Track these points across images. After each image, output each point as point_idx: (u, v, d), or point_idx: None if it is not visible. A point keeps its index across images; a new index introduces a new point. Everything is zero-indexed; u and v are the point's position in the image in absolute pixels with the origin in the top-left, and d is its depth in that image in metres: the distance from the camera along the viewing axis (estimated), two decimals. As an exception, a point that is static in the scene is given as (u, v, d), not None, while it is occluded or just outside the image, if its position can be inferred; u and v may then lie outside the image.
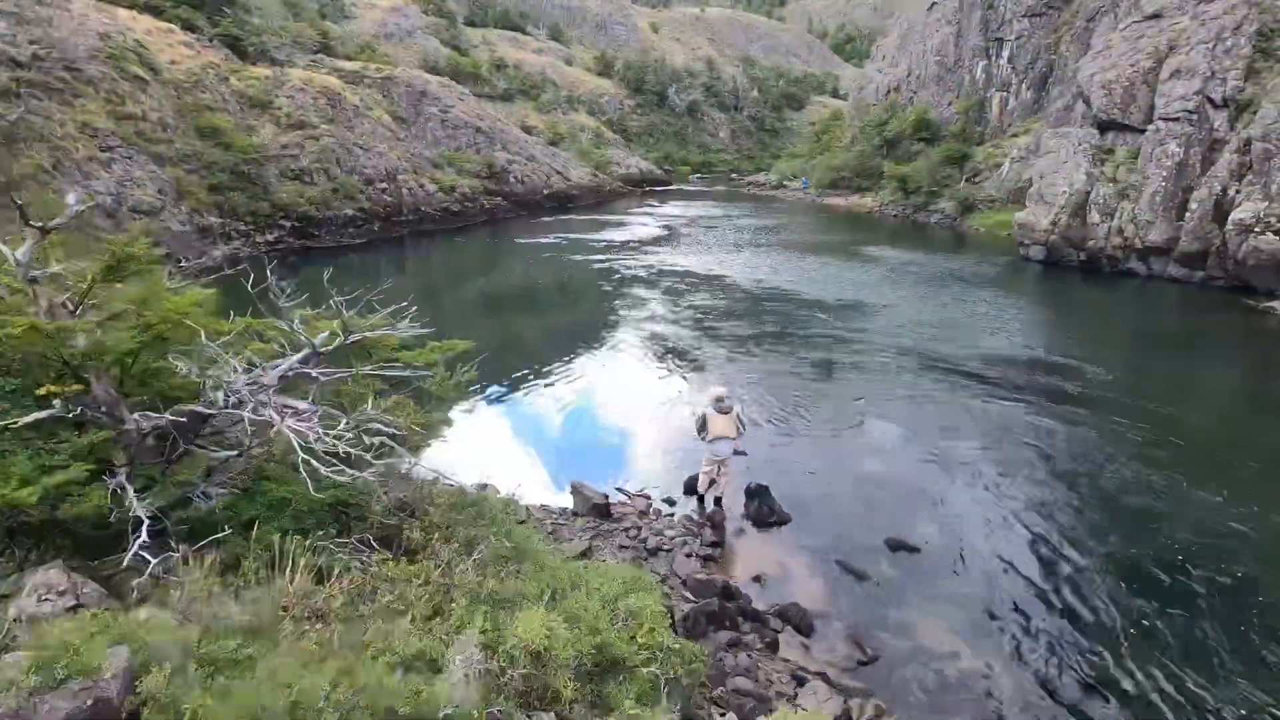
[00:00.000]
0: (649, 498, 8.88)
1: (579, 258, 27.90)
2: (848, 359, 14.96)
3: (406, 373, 5.13)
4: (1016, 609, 6.75)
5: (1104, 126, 26.67)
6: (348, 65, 43.85)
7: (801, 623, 6.22)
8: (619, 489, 9.05)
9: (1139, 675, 5.84)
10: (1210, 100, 23.27)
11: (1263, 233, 20.84)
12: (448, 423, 5.74)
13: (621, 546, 7.34)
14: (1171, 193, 23.53)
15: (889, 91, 56.51)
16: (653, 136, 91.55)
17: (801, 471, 9.64)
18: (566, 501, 8.55)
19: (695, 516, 8.45)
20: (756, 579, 7.15)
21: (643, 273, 24.76)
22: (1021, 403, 12.38)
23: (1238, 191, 22.04)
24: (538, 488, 8.93)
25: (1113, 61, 26.32)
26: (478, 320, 18.22)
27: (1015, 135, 42.95)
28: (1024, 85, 45.78)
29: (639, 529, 7.85)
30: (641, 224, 38.89)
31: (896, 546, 7.80)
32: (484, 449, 9.82)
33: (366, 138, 35.60)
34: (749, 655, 5.43)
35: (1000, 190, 38.73)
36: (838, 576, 7.32)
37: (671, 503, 8.84)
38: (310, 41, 46.40)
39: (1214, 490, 8.90)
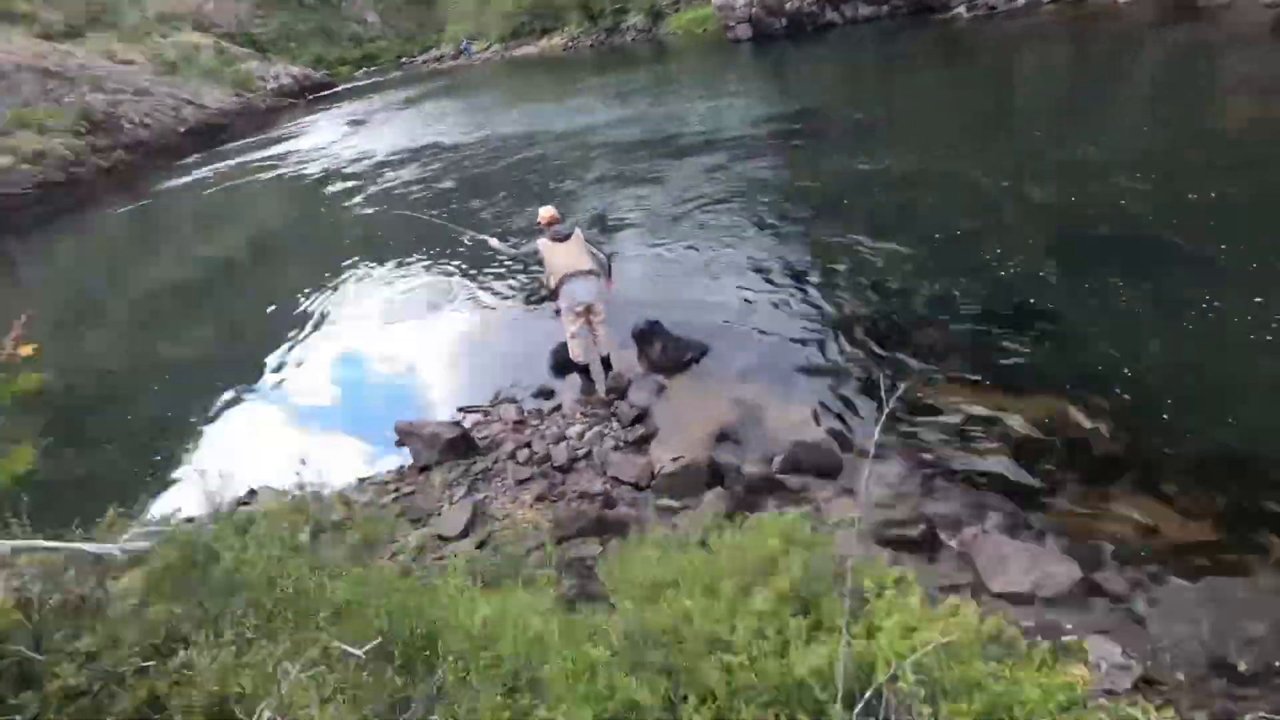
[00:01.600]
0: (514, 400, 6.28)
1: (267, 182, 21.88)
2: (610, 182, 12.98)
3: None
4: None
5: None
6: None
7: (823, 463, 4.40)
8: (461, 409, 6.34)
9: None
10: None
11: (926, -51, 21.89)
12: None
13: (521, 481, 4.85)
14: (842, -66, 23.78)
15: (534, -85, 51.55)
16: (292, 40, 76.94)
17: (677, 296, 7.62)
18: (400, 458, 5.67)
19: (591, 394, 6.13)
20: (724, 437, 5.06)
21: (355, 171, 19.96)
22: (780, 158, 12.14)
23: (894, -84, 22.75)
24: (355, 461, 5.88)
25: None
26: (163, 310, 12.99)
27: (673, -70, 41.63)
28: (663, -124, 43.94)
29: (528, 445, 5.34)
30: (326, 130, 32.10)
31: (839, 323, 6.22)
32: (251, 453, 6.45)
33: None
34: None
35: (681, -11, 37.72)
36: (811, 386, 5.58)
37: (547, 394, 6.34)
38: None
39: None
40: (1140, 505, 3.79)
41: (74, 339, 11.18)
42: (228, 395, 7.92)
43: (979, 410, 4.81)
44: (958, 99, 14.43)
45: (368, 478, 5.32)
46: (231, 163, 27.79)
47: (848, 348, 5.98)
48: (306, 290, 10.64)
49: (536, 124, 20.76)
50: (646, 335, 6.24)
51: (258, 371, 8.28)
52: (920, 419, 4.88)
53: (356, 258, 11.78)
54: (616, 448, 5.06)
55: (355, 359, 8.10)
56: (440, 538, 4.10)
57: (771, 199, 10.00)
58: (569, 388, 6.33)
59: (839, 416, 5.16)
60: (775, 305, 6.99)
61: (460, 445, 5.33)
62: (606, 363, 6.42)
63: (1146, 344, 5.17)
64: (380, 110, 34.96)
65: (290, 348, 8.77)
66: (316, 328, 9.20)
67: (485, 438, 5.58)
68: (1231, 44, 12.86)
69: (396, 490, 4.94)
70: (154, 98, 38.18)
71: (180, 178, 26.76)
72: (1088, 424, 4.48)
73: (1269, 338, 4.87)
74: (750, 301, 7.18)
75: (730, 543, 2.24)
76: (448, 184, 16.06)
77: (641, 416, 5.45)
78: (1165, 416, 4.45)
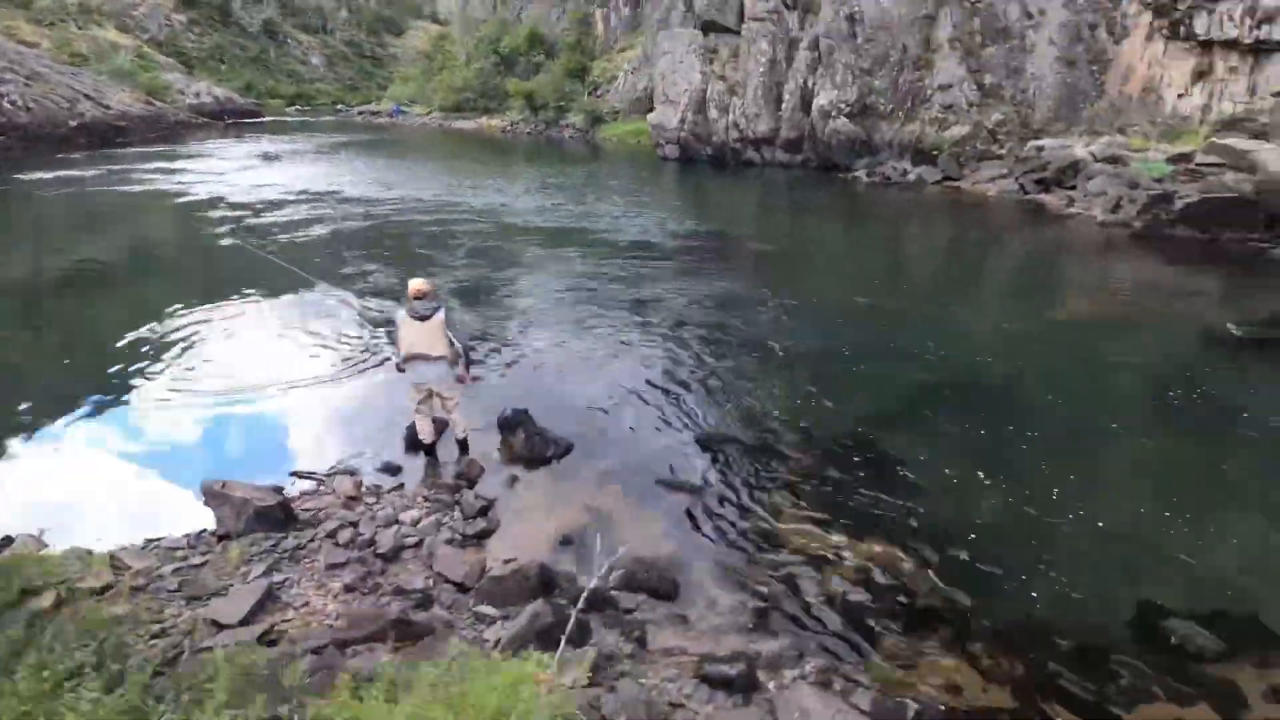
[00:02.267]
0: (354, 472, 5.73)
1: (144, 195, 20.34)
2: (514, 265, 13.09)
3: None
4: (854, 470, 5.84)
5: (706, 28, 28.63)
6: None
7: (660, 583, 4.24)
8: (296, 474, 5.77)
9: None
10: (785, 2, 26.32)
11: (837, 117, 24.62)
12: None
13: (334, 566, 4.25)
14: (769, 87, 26.39)
15: (496, 5, 54.25)
16: (223, 62, 74.90)
17: (554, 389, 7.49)
18: (205, 521, 4.96)
19: (439, 478, 5.72)
20: (566, 542, 4.85)
21: (243, 201, 18.97)
22: (683, 271, 12.66)
23: (814, 84, 25.59)
24: (153, 518, 5.09)
25: (703, -35, 28.04)
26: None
27: (623, 50, 44.84)
28: (622, 3, 47.78)
29: (354, 525, 4.78)
30: (234, 157, 30.71)
31: (708, 442, 6.29)
32: (34, 491, 5.54)
33: None
34: (622, 673, 3.28)
35: (622, 101, 40.18)
36: (668, 501, 5.48)
37: (393, 471, 5.85)
38: None
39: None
40: (949, 665, 3.89)
41: None
42: (25, 418, 6.87)
43: (819, 548, 4.89)
44: (848, 248, 15.90)
45: (156, 540, 4.56)
46: (115, 167, 25.87)
47: (711, 466, 6.02)
48: (150, 316, 9.65)
49: (452, 194, 20.86)
50: (511, 424, 6.02)
51: (68, 399, 7.27)
52: (765, 548, 4.91)
53: (219, 291, 10.92)
54: (451, 540, 4.66)
55: (184, 401, 7.27)
56: (215, 623, 3.52)
57: (667, 308, 10.32)
58: (418, 468, 5.93)
59: (687, 536, 5.09)
60: (648, 413, 7.02)
61: (274, 515, 4.70)
62: (463, 446, 6.13)
63: (980, 501, 5.53)
64: (298, 149, 34.08)
65: (115, 376, 7.80)
66: (148, 359, 8.27)
67: (310, 510, 5.00)
68: (1071, 248, 15.01)
69: (184, 559, 4.26)
70: (47, 85, 35.47)
71: (52, 171, 24.50)
72: (915, 575, 4.64)
73: (1080, 508, 5.34)
74: (624, 405, 7.18)
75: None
76: (335, 232, 15.60)
77: (486, 509, 5.12)
78: (986, 575, 4.69)
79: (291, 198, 19.90)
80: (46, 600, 3.54)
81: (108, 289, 11.88)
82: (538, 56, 46.56)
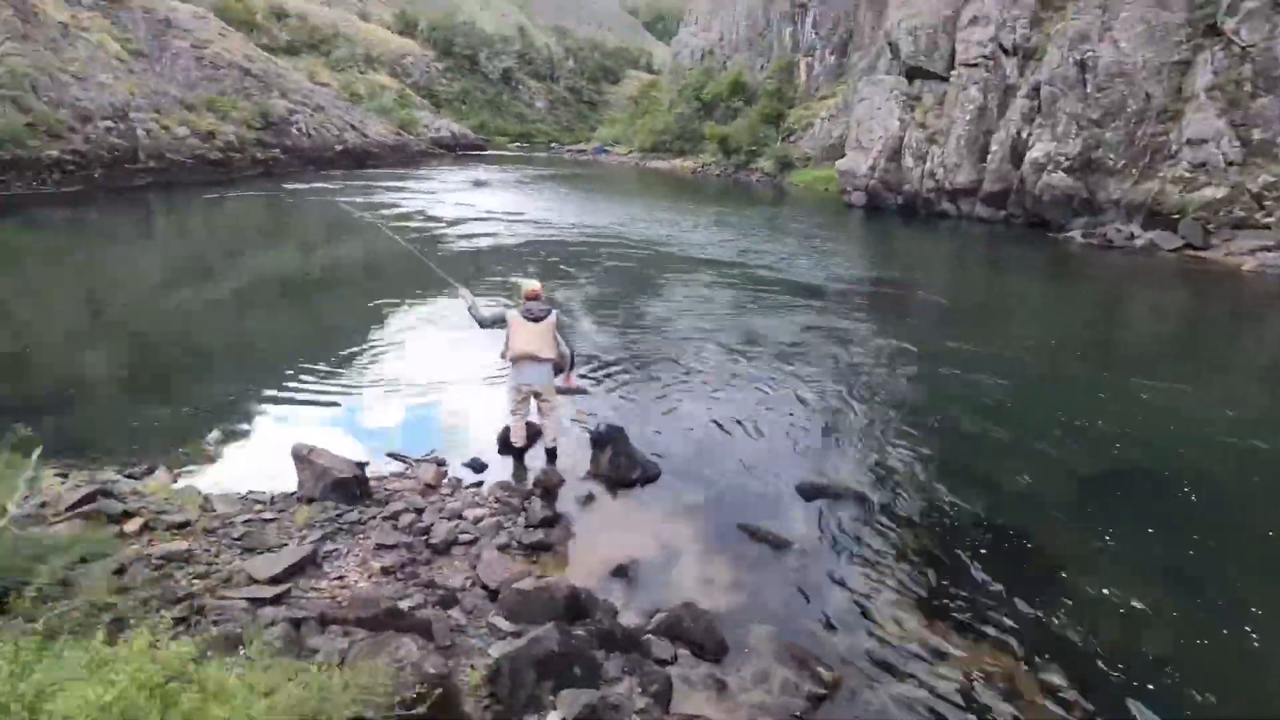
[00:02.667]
0: (441, 463, 5.86)
1: (391, 210, 23.48)
2: (689, 294, 12.88)
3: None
4: (975, 566, 4.81)
5: (912, 74, 27.28)
6: (54, -19, 34.20)
7: (706, 638, 3.71)
8: (391, 454, 6.02)
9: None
10: (1002, 47, 24.31)
11: (1054, 171, 22.01)
12: None
13: (382, 547, 4.30)
14: (974, 136, 24.39)
15: (704, 55, 56.41)
16: (465, 104, 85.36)
17: (663, 413, 7.18)
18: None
19: (517, 483, 5.66)
20: (621, 572, 4.44)
21: (466, 222, 21.11)
22: (846, 316, 11.56)
23: (1029, 134, 23.20)
24: (278, 476, 5.53)
25: (917, 10, 26.90)
26: (243, 286, 13.73)
27: (823, 97, 44.30)
28: (828, 51, 47.39)
29: (419, 511, 4.82)
30: (451, 181, 34.60)
31: (814, 493, 5.60)
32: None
33: (82, 65, 27.71)
34: (624, 726, 2.84)
35: (815, 148, 39.54)
36: (745, 550, 4.87)
37: (479, 467, 5.89)
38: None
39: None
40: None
41: (167, 294, 11.88)
42: (232, 384, 7.98)
43: (915, 643, 4.01)
44: (1050, 311, 13.80)
45: (252, 493, 4.95)
46: (357, 184, 30.23)
47: (810, 522, 5.31)
48: (341, 313, 10.89)
49: (624, 223, 21.55)
50: (603, 441, 5.79)
51: (273, 369, 8.35)
52: (845, 629, 4.13)
53: (397, 292, 12.07)
54: (506, 546, 4.50)
55: (347, 384, 7.96)
56: (250, 576, 3.63)
57: (814, 350, 9.59)
58: (503, 469, 5.91)
59: (756, 594, 4.45)
60: (757, 453, 6.44)
61: (349, 488, 4.88)
62: (551, 455, 6.02)
63: (1157, 630, 4.27)
64: (505, 178, 37.58)
65: (280, 368, 8.83)
66: (324, 350, 9.26)
67: (388, 491, 5.18)
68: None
69: (259, 513, 4.52)
70: (326, 116, 42.63)
71: (314, 183, 29.24)
72: (1037, 698, 3.62)
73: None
74: (732, 441, 6.66)
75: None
76: (503, 246, 16.69)
77: (551, 521, 4.92)
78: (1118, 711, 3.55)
79: (481, 215, 21.88)
80: (133, 525, 3.89)
81: (327, 280, 13.70)
82: (737, 103, 47.49)
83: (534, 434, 6.12)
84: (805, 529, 5.17)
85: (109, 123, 26.61)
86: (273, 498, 4.92)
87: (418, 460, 5.86)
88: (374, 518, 4.67)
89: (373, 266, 15.76)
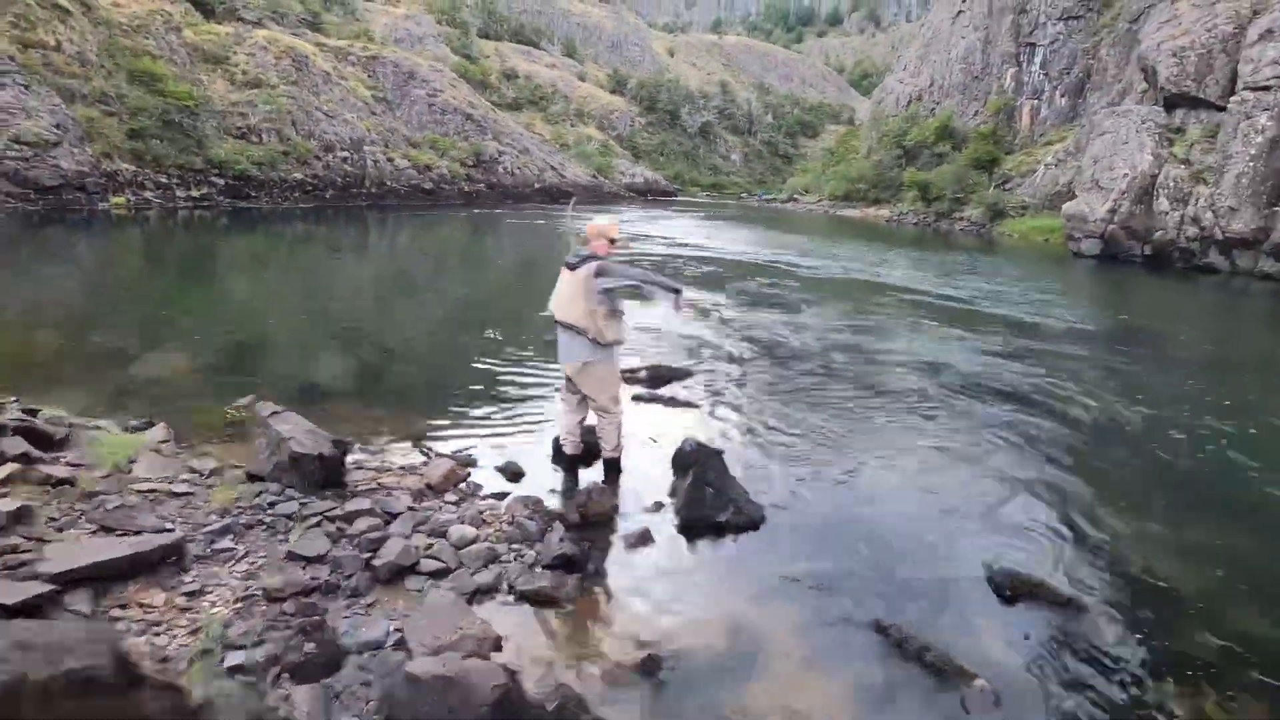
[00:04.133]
0: (467, 462, 4.43)
1: (554, 234, 24.02)
2: (862, 317, 10.72)
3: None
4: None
5: (1172, 103, 22.72)
6: (332, 41, 40.65)
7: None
8: (420, 443, 4.74)
9: None
10: (1310, 65, 19.30)
11: (1388, 216, 16.64)
12: None
13: (294, 558, 3.01)
14: (1262, 174, 19.40)
15: (910, 101, 53.15)
16: (663, 155, 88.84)
17: (790, 444, 5.34)
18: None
19: (550, 502, 4.05)
20: (649, 668, 2.69)
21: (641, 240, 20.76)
22: (1113, 378, 8.20)
23: (1349, 170, 17.93)
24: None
25: (1184, 29, 22.50)
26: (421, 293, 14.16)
27: (1049, 143, 39.19)
28: (1058, 92, 42.15)
29: (388, 519, 3.48)
30: (630, 218, 35.06)
31: (1016, 589, 3.43)
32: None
33: (334, 105, 32.16)
34: None
35: (1036, 195, 34.80)
36: (882, 671, 2.90)
37: (514, 475, 4.39)
38: (294, 15, 42.99)
39: None
40: None
41: (376, 303, 12.46)
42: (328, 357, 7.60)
43: None
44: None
45: (199, 464, 3.87)
46: (544, 215, 31.51)
47: (1010, 655, 3.24)
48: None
49: (801, 256, 19.68)
50: (685, 462, 4.12)
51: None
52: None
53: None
54: (487, 590, 2.96)
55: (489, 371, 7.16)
56: (34, 572, 2.46)
57: (1043, 404, 7.08)
58: (543, 482, 4.37)
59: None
60: (930, 518, 4.38)
61: (310, 468, 3.57)
62: (611, 468, 4.41)
63: None
64: (682, 220, 37.32)
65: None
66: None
67: (375, 483, 3.87)
68: None
69: (169, 485, 3.46)
70: (530, 157, 45.91)
71: (507, 218, 31.05)
72: None
73: None
74: (892, 495, 4.66)
75: None
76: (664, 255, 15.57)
77: (572, 564, 3.30)
78: None
79: (652, 235, 21.33)
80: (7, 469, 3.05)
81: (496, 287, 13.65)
82: (943, 148, 43.72)
83: (588, 437, 4.60)
84: (995, 649, 3.07)
85: (345, 153, 30.36)
86: (214, 470, 3.84)
87: (437, 455, 4.52)
88: (318, 515, 3.39)
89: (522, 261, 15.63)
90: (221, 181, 24.85)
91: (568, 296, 4.10)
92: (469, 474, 4.30)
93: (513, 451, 4.72)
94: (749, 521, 3.92)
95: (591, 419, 4.51)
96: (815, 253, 20.99)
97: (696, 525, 3.87)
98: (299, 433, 3.75)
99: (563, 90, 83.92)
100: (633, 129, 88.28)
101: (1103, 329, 11.90)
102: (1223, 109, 21.08)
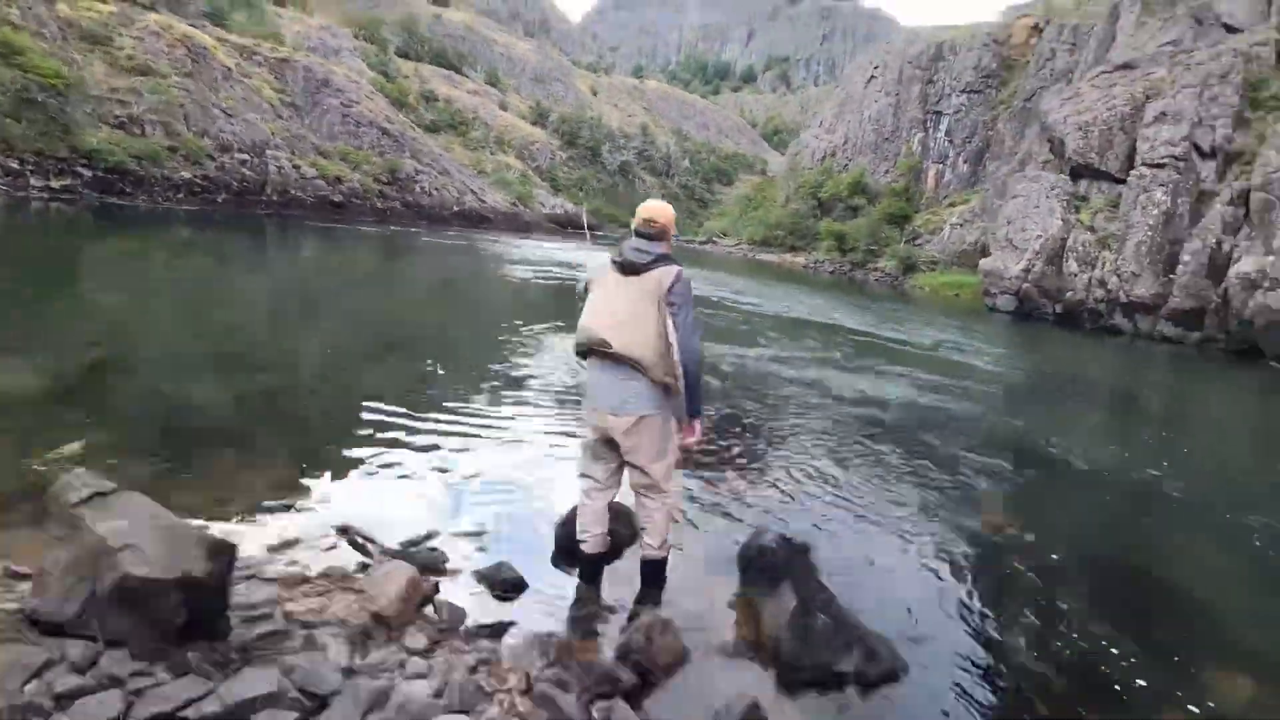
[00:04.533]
0: (433, 566, 2.86)
1: (470, 259, 22.39)
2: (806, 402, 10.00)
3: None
4: None
5: (1077, 172, 24.33)
6: (238, 39, 37.44)
7: None
8: (354, 538, 3.06)
9: None
10: (1198, 148, 21.08)
11: (1272, 289, 18.06)
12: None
13: None
14: (1159, 244, 20.86)
15: (825, 156, 55.55)
16: (582, 190, 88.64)
17: (857, 533, 4.26)
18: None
19: (577, 646, 2.49)
20: None
21: (522, 276, 19.49)
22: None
23: (1234, 246, 19.49)
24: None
25: (1087, 105, 24.25)
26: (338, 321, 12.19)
27: (953, 204, 41.65)
28: (960, 158, 45.18)
29: (308, 713, 1.76)
30: (546, 246, 33.89)
31: None
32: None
33: (235, 104, 29.28)
34: None
35: (945, 252, 36.59)
36: None
37: (510, 587, 2.85)
38: (195, 4, 39.39)
39: None
40: None
41: (278, 325, 10.36)
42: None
43: None
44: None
45: None
46: (462, 241, 29.79)
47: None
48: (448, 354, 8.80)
49: (736, 301, 19.16)
50: (766, 563, 2.84)
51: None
52: None
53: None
54: None
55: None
56: None
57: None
58: (552, 592, 2.95)
59: None
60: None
61: (165, 617, 1.89)
62: (654, 572, 3.02)
63: None
64: (596, 249, 36.53)
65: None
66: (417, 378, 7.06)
67: (291, 624, 2.24)
68: None
69: None
70: (450, 179, 43.98)
71: (424, 236, 29.04)
72: None
73: None
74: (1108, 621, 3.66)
75: None
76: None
77: None
78: None
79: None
80: None
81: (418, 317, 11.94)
82: (858, 201, 45.63)
83: (616, 523, 3.13)
84: None
85: (244, 155, 27.54)
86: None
87: (387, 551, 2.95)
88: (165, 718, 1.66)
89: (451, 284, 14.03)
90: (89, 173, 21.64)
91: (628, 314, 2.69)
92: (437, 586, 2.71)
93: (495, 537, 3.29)
94: (887, 671, 2.60)
95: (621, 497, 3.06)
96: (751, 291, 20.56)
97: (812, 679, 2.52)
98: (142, 535, 2.00)
99: (484, 117, 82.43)
100: (553, 162, 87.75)
101: (1047, 380, 11.79)
102: (1123, 181, 22.71)
